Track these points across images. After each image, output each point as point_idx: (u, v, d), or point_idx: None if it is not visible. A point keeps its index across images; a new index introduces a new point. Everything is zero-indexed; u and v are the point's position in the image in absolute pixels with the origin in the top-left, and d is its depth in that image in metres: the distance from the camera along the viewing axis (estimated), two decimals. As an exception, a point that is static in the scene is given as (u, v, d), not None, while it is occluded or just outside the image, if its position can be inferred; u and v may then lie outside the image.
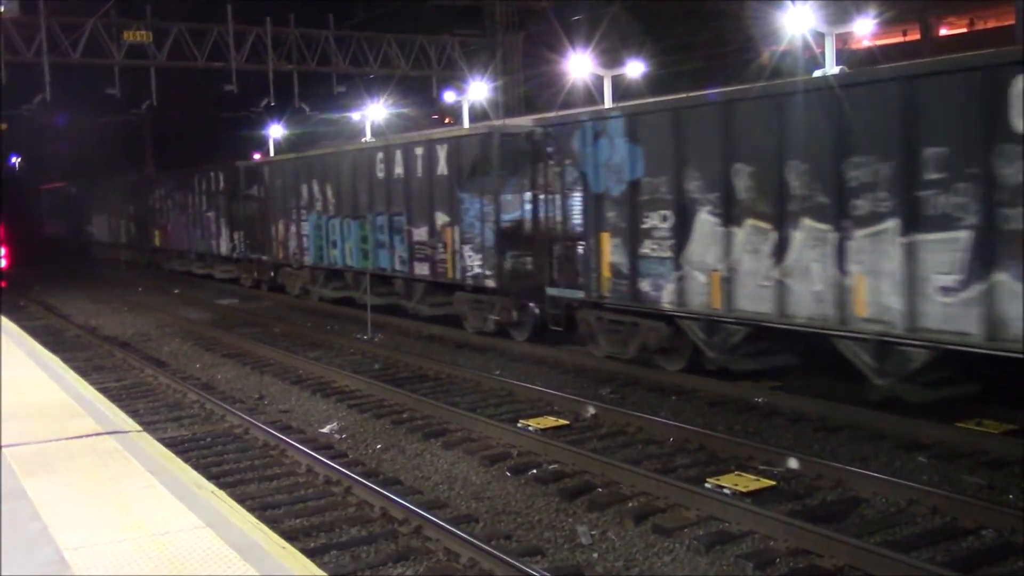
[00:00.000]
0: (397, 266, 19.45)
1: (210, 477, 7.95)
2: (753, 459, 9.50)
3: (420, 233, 18.46)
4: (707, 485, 8.70)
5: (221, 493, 5.62)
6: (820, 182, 10.59)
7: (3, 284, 29.66)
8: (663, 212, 12.64)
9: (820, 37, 17.73)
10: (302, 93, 30.70)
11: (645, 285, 13.03)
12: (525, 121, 18.73)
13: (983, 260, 9.10)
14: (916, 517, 7.98)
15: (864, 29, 21.66)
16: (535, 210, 15.47)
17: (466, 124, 24.49)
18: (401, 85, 32.36)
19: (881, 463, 9.41)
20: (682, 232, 12.34)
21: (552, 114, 17.06)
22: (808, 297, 10.79)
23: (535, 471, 9.55)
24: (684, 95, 13.97)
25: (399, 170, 19.12)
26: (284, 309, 23.85)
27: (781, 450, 9.62)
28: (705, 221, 12.05)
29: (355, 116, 32.86)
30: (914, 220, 9.65)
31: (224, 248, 29.14)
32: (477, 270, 16.89)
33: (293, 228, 23.99)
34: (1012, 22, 28.63)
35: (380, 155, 19.81)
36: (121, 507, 5.28)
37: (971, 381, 10.34)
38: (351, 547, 7.67)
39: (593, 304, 14.16)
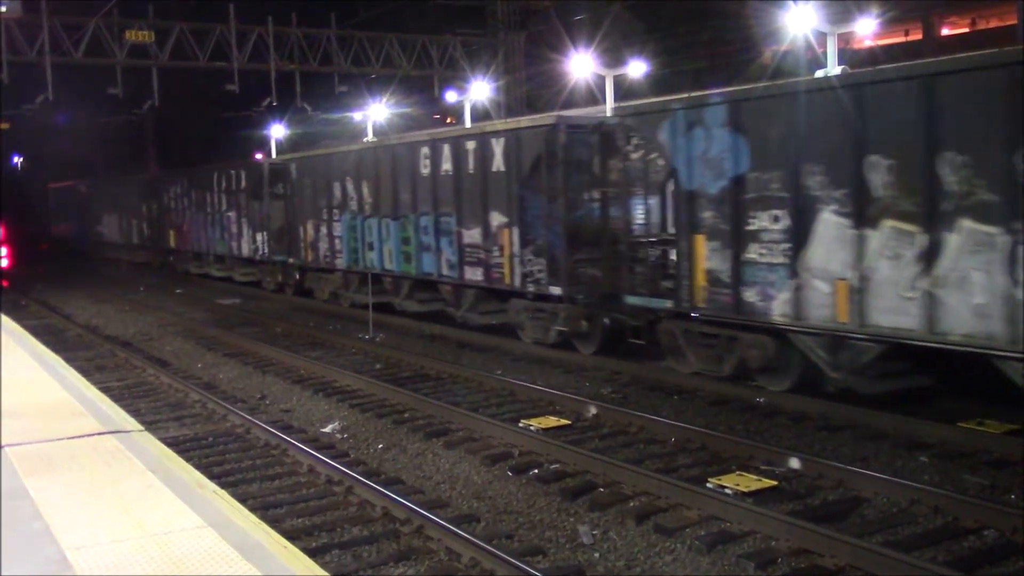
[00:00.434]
0: (445, 271, 17.92)
1: (212, 477, 7.94)
2: (755, 459, 9.51)
3: (472, 235, 17.01)
4: (709, 485, 8.69)
5: (223, 493, 5.62)
6: (985, 177, 9.15)
7: (5, 284, 29.74)
8: (774, 212, 11.20)
9: (822, 37, 17.70)
10: (304, 93, 30.70)
11: (750, 295, 11.58)
12: (593, 111, 17.41)
13: None
14: (918, 517, 7.98)
15: (866, 29, 21.62)
16: (606, 210, 14.41)
17: (467, 124, 24.42)
18: (403, 85, 32.36)
19: (882, 463, 9.41)
20: (799, 235, 10.92)
21: (634, 102, 15.20)
22: (967, 311, 9.32)
23: (537, 471, 9.55)
24: (801, 78, 12.44)
25: (447, 166, 17.57)
26: (286, 309, 23.86)
27: (783, 450, 9.62)
28: (829, 222, 10.59)
29: (357, 116, 32.84)
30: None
31: (246, 250, 27.71)
32: (539, 276, 15.54)
33: (324, 229, 22.53)
34: (1014, 22, 28.64)
35: (425, 150, 18.23)
36: (123, 506, 5.28)
37: None
38: (353, 547, 7.67)
39: (679, 315, 12.82)
